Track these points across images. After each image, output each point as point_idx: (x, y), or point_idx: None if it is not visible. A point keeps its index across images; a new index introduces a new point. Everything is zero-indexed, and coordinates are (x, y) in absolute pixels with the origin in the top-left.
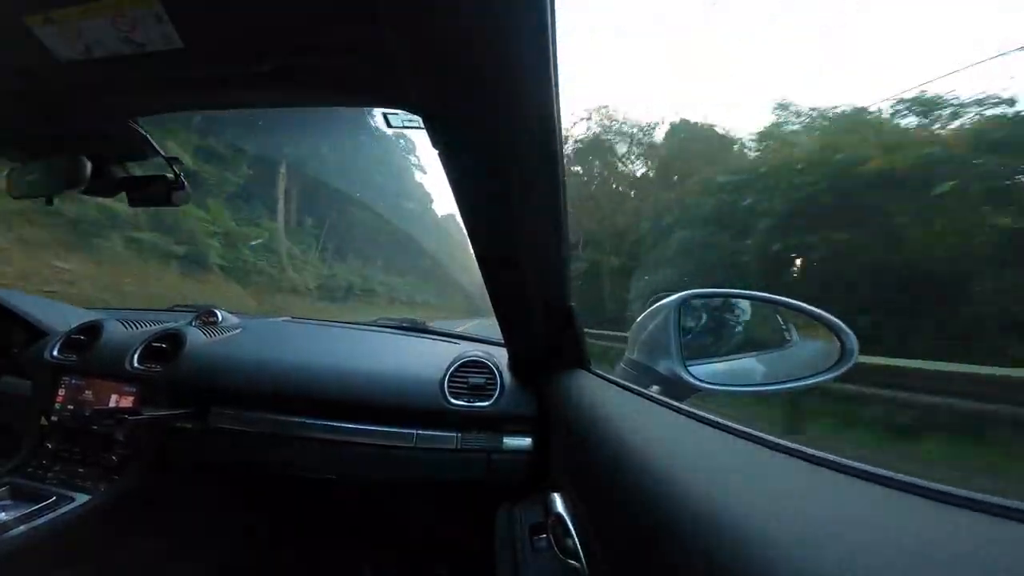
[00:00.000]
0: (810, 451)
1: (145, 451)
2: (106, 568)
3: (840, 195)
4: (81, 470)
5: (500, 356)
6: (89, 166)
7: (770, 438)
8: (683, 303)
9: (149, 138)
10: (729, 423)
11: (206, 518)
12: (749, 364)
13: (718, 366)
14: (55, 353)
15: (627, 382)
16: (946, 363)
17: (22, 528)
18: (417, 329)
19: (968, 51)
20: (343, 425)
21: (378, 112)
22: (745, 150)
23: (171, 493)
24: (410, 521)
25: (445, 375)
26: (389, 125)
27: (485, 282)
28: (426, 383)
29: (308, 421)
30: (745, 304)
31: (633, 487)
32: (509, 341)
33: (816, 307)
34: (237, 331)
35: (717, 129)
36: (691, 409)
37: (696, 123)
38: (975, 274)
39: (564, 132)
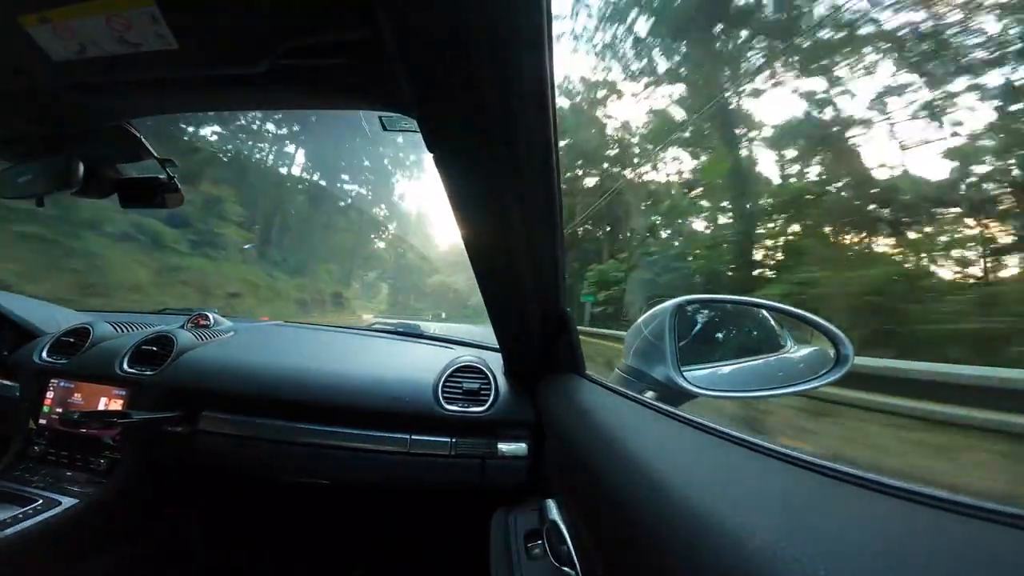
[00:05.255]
0: (806, 457)
1: (134, 455)
2: (93, 573)
3: None
4: (69, 473)
5: (495, 361)
6: (82, 167)
7: (765, 444)
8: (678, 309)
9: (143, 139)
10: (724, 429)
11: (195, 523)
12: (745, 370)
13: (714, 372)
14: (44, 355)
15: (623, 388)
16: None
17: (8, 532)
18: (411, 334)
19: None
20: (336, 430)
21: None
22: None
23: (160, 497)
24: (404, 527)
25: (439, 380)
26: (385, 128)
27: (480, 287)
28: (419, 388)
29: (300, 426)
30: (741, 310)
31: (628, 494)
32: (504, 346)
33: (812, 313)
34: (229, 334)
35: None
36: (686, 415)
37: None
38: None
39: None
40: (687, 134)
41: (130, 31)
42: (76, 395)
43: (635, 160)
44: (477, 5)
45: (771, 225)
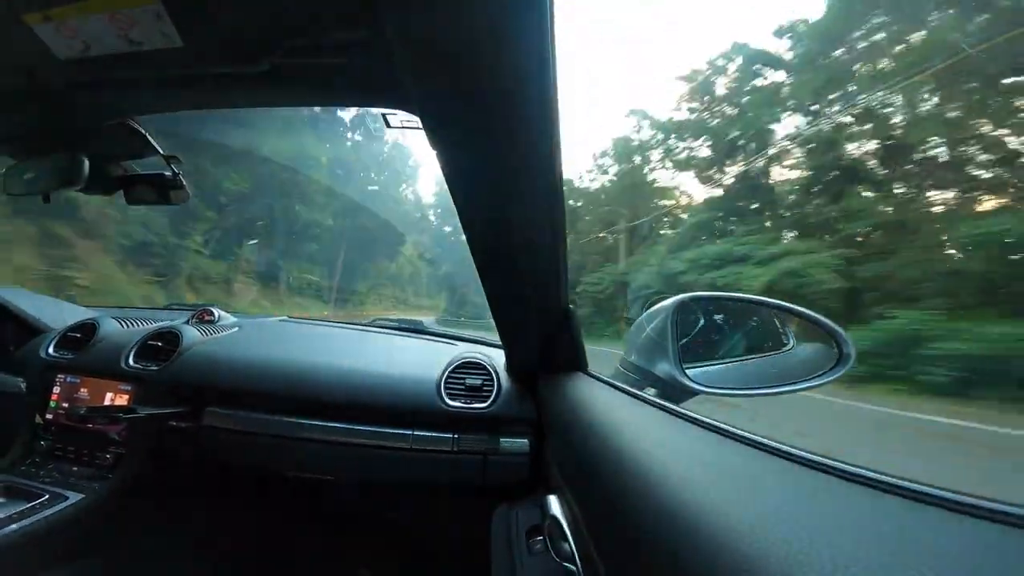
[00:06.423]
0: (806, 455)
1: (139, 450)
2: (99, 567)
3: None
4: (75, 468)
5: (498, 358)
6: (87, 164)
7: (765, 441)
8: (681, 306)
9: (148, 136)
10: (725, 426)
11: (200, 518)
12: (746, 368)
13: (715, 369)
14: (50, 351)
15: (625, 385)
16: None
17: (14, 526)
18: (414, 330)
19: None
20: (339, 426)
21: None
22: None
23: (165, 492)
24: (406, 522)
25: (442, 376)
26: (388, 125)
27: (483, 284)
28: (422, 384)
29: (304, 421)
30: (743, 307)
31: (629, 490)
32: (506, 343)
33: (814, 311)
34: (233, 330)
35: None
36: (688, 412)
37: None
38: None
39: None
40: None
41: (134, 29)
42: (82, 390)
43: None
44: (479, 3)
45: None
